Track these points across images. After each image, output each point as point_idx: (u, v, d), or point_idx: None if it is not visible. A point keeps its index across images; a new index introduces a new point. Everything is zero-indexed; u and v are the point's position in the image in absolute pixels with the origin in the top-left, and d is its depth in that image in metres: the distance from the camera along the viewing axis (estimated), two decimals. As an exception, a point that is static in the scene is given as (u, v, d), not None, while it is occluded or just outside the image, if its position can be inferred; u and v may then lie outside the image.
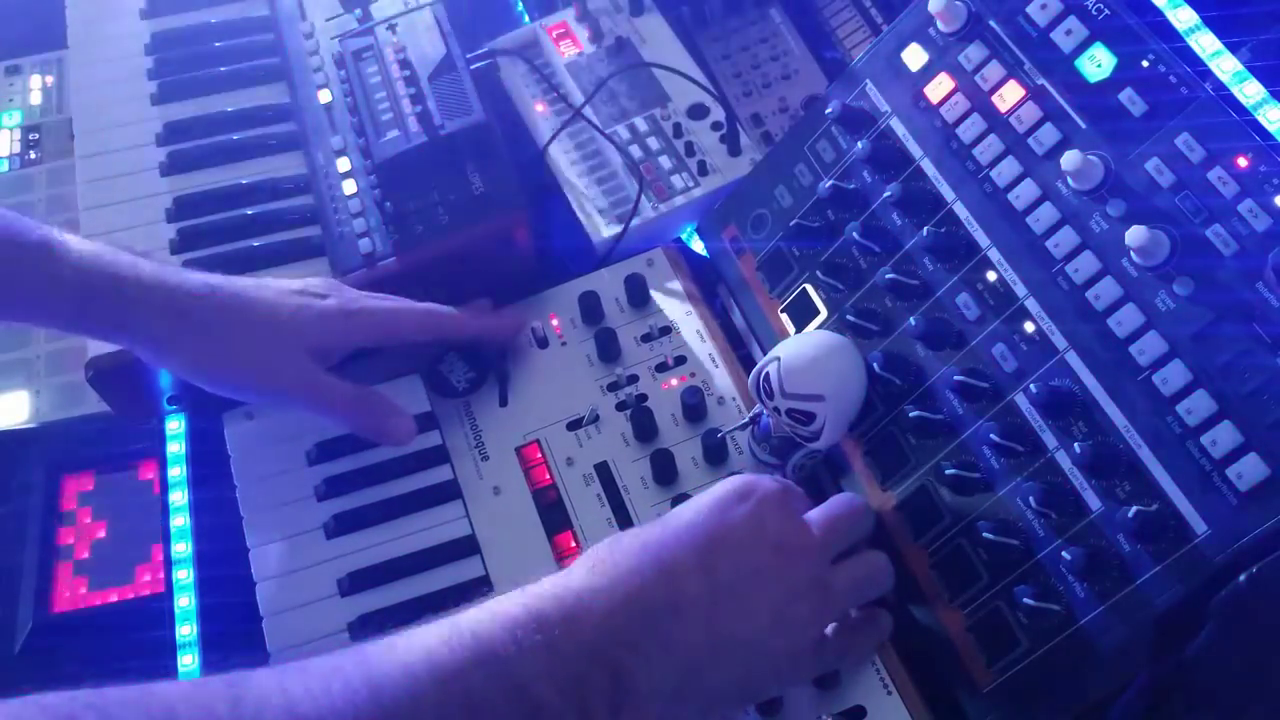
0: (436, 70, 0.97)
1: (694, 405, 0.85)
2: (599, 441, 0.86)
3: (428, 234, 0.89)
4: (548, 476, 0.85)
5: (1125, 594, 0.66)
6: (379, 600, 0.81)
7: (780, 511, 0.68)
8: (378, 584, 0.81)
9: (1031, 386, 0.72)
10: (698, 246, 0.99)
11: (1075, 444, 0.69)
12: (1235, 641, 0.62)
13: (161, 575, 0.87)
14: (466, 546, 0.83)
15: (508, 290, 0.94)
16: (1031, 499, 0.70)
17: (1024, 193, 0.76)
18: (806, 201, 0.87)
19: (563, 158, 1.04)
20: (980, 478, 0.74)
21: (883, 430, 0.79)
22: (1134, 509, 0.66)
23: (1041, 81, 0.77)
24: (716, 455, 0.83)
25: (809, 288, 0.86)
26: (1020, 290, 0.75)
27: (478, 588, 0.80)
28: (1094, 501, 0.69)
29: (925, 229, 0.79)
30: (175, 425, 0.92)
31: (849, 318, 0.81)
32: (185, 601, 0.84)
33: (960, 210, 0.79)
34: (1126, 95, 0.73)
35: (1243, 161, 0.68)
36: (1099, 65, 0.74)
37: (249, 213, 0.96)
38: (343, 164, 0.95)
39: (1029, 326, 0.74)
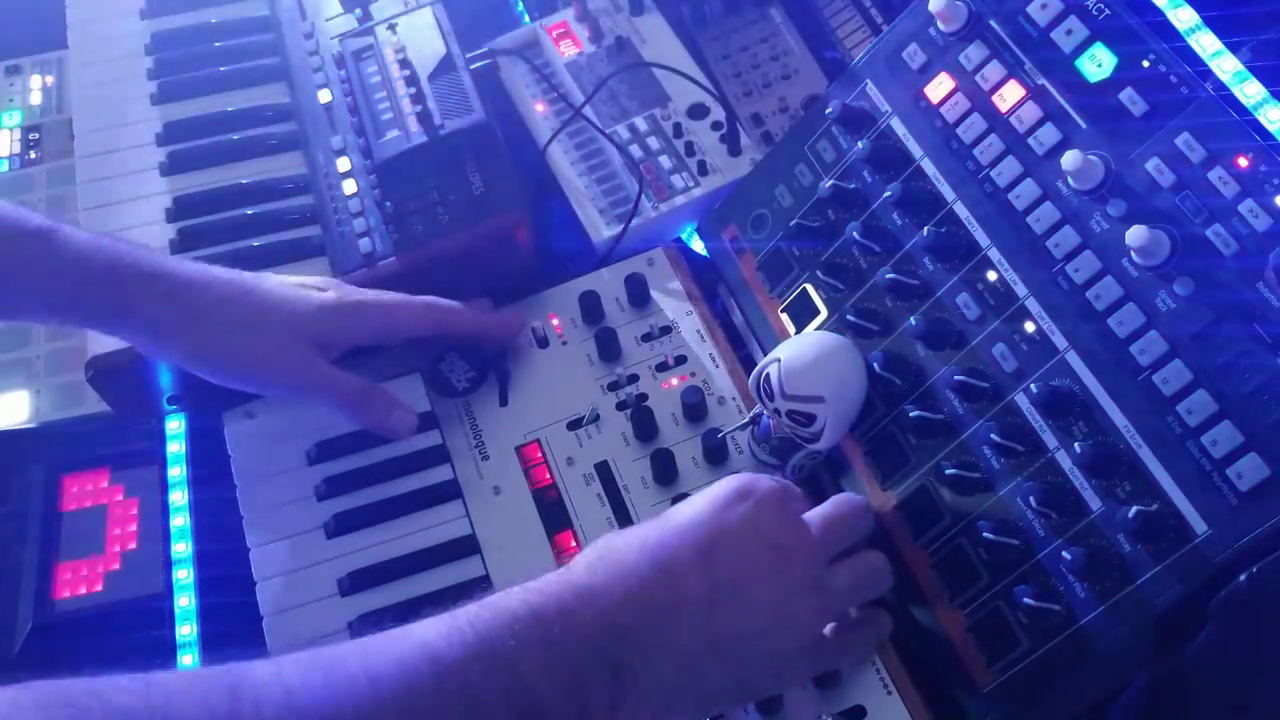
0: (436, 70, 0.97)
1: (694, 405, 0.85)
2: (599, 441, 0.86)
3: (428, 234, 0.89)
4: (548, 476, 0.85)
5: (1125, 594, 0.66)
6: (379, 600, 0.81)
7: (779, 511, 0.68)
8: (378, 584, 0.81)
9: (1032, 386, 0.72)
10: (698, 246, 0.99)
11: (1075, 444, 0.69)
12: (1235, 641, 0.62)
13: (161, 575, 0.87)
14: (466, 546, 0.83)
15: (508, 290, 0.94)
16: (1032, 499, 0.70)
17: (1024, 192, 0.76)
18: (807, 201, 0.87)
19: (563, 158, 1.04)
20: (980, 478, 0.74)
21: (883, 430, 0.79)
22: (1134, 509, 0.66)
23: (1042, 81, 0.77)
24: (716, 455, 0.83)
25: (809, 288, 0.86)
26: (1020, 290, 0.75)
27: (478, 587, 0.80)
28: (1094, 501, 0.69)
29: (925, 229, 0.79)
30: (175, 425, 0.92)
31: (849, 318, 0.81)
32: (185, 601, 0.84)
33: (960, 210, 0.79)
34: (1127, 95, 0.73)
35: (1243, 161, 0.68)
36: (1099, 65, 0.74)
37: (249, 213, 0.95)
38: (343, 164, 0.95)
39: (1029, 326, 0.74)
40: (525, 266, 0.93)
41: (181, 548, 0.86)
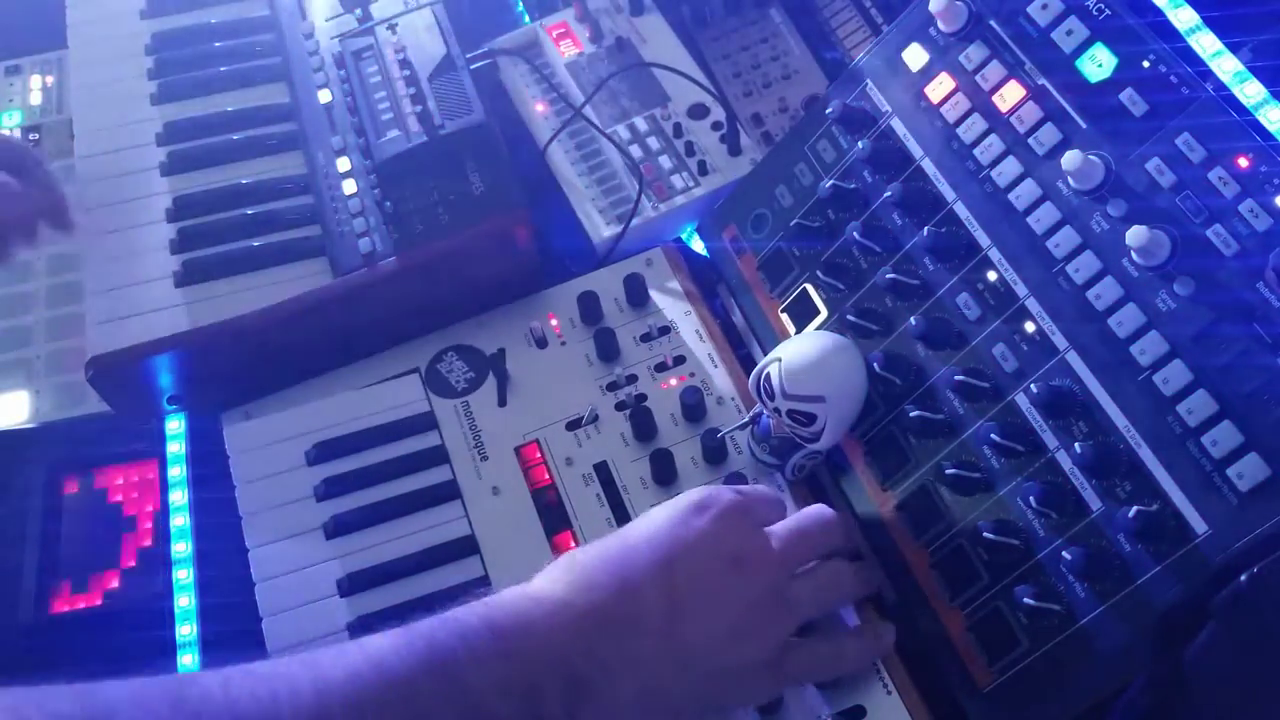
0: (436, 70, 0.97)
1: (693, 405, 0.85)
2: (598, 441, 0.86)
3: (428, 234, 0.89)
4: (547, 476, 0.85)
5: (1125, 594, 0.66)
6: (379, 600, 0.80)
7: (739, 524, 0.68)
8: (377, 584, 0.81)
9: (1032, 386, 0.72)
10: (698, 246, 0.99)
11: (1076, 444, 0.69)
12: (1235, 641, 0.62)
13: (161, 575, 0.87)
14: (466, 547, 0.83)
15: (508, 290, 0.94)
16: (1032, 499, 0.70)
17: (1024, 193, 0.76)
18: (807, 201, 0.87)
19: (563, 158, 1.04)
20: (980, 478, 0.74)
21: (883, 430, 0.79)
22: (1134, 509, 0.66)
23: (1042, 81, 0.77)
24: (716, 455, 0.83)
25: (809, 288, 0.86)
26: (1021, 290, 0.75)
27: (477, 588, 0.80)
28: (1094, 501, 0.69)
29: (926, 229, 0.79)
30: (175, 425, 0.92)
31: (849, 318, 0.81)
32: (185, 601, 0.84)
33: (961, 210, 0.79)
34: (1127, 95, 0.73)
35: (1243, 161, 0.68)
36: (1100, 65, 0.74)
37: (249, 213, 0.95)
38: (343, 164, 0.95)
39: (1029, 326, 0.74)
40: (525, 266, 0.93)
41: (181, 548, 0.86)
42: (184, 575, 0.85)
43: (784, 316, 0.87)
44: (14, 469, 0.94)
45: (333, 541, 0.83)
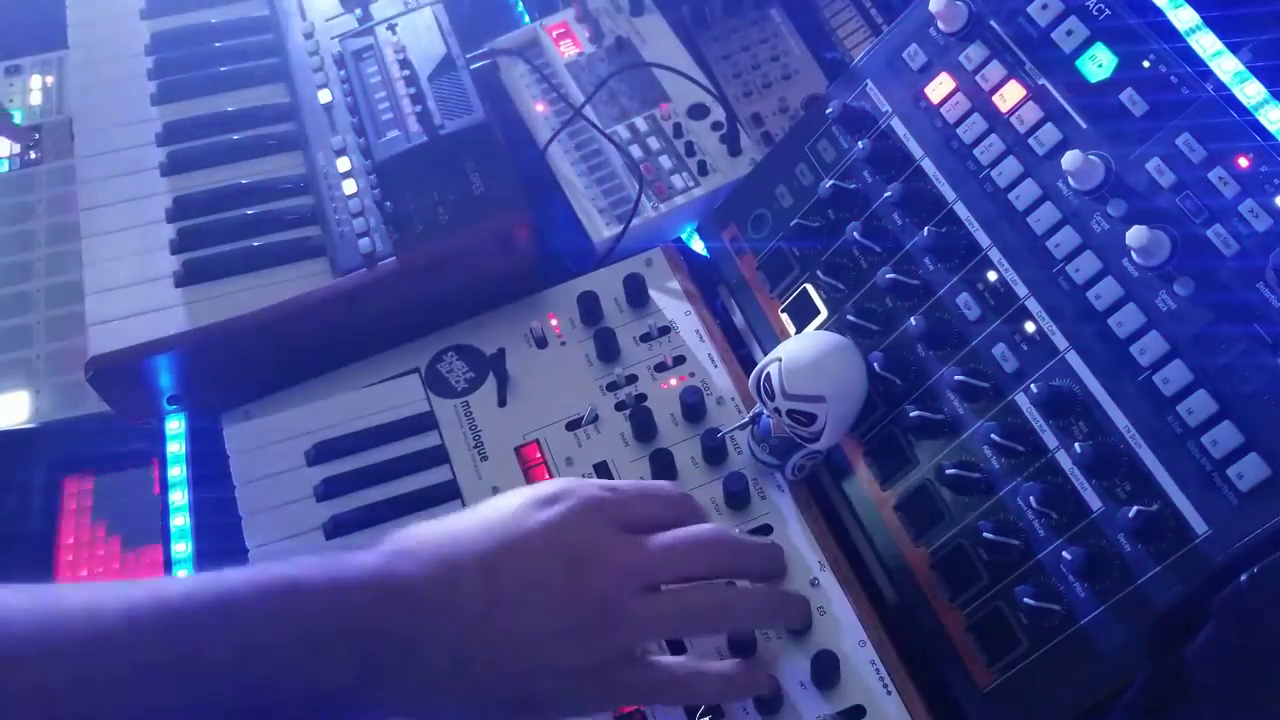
0: (436, 70, 0.97)
1: (693, 405, 0.85)
2: (598, 441, 0.86)
3: (428, 234, 0.89)
4: (547, 476, 0.85)
5: (1125, 594, 0.66)
6: (379, 600, 0.80)
7: (588, 521, 0.64)
8: (377, 584, 0.81)
9: (1032, 386, 0.72)
10: (698, 246, 0.99)
11: (1076, 444, 0.69)
12: (1235, 641, 0.62)
13: (161, 575, 0.87)
14: (466, 546, 0.82)
15: (508, 290, 0.94)
16: (1032, 499, 0.70)
17: (1025, 193, 0.76)
18: (807, 201, 0.87)
19: (563, 158, 1.04)
20: (980, 478, 0.74)
21: (883, 430, 0.79)
22: (1134, 509, 0.66)
23: (1042, 81, 0.77)
24: (716, 455, 0.83)
25: (809, 288, 0.86)
26: (1021, 290, 0.75)
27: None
28: (1094, 501, 0.69)
29: (926, 229, 0.79)
30: (175, 425, 0.92)
31: (849, 318, 0.81)
32: (185, 601, 0.84)
33: (961, 210, 0.79)
34: (1127, 95, 0.72)
35: (1244, 162, 0.68)
36: (1100, 65, 0.74)
37: (249, 213, 0.95)
38: (343, 164, 0.95)
39: (1029, 326, 0.74)
40: (525, 266, 0.93)
41: (181, 548, 0.86)
42: (184, 575, 0.85)
43: (784, 316, 0.87)
44: (14, 469, 0.94)
45: (333, 542, 0.83)
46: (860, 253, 0.83)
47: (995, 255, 0.76)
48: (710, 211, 0.96)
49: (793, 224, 0.87)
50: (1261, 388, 0.64)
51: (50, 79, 1.16)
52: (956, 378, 0.75)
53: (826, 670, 0.72)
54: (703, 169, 1.01)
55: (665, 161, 1.01)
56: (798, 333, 0.85)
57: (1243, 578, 0.60)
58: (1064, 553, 0.68)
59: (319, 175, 0.96)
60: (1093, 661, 0.67)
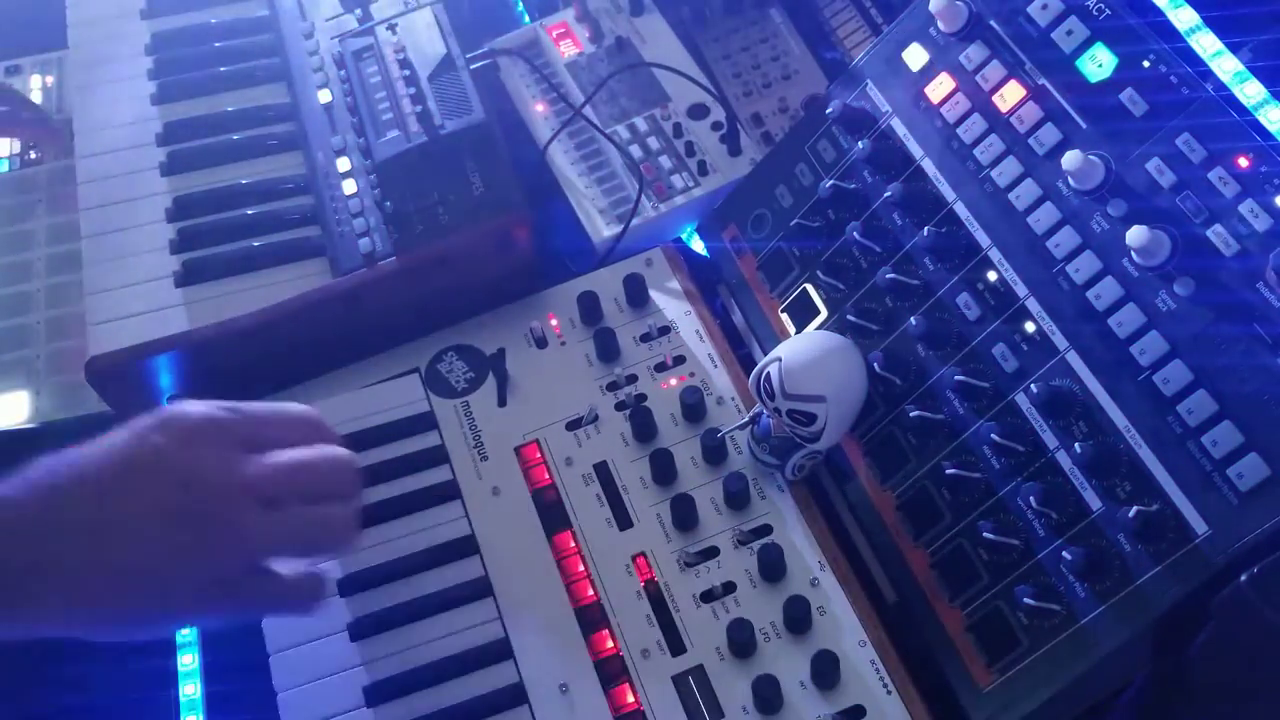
0: (436, 70, 0.97)
1: (693, 405, 0.85)
2: (598, 441, 0.86)
3: (428, 234, 0.89)
4: (547, 476, 0.85)
5: (1125, 594, 0.66)
6: (379, 601, 0.80)
7: (201, 442, 0.64)
8: (377, 584, 0.81)
9: (1032, 386, 0.72)
10: (698, 246, 0.99)
11: (1076, 444, 0.69)
12: (1235, 641, 0.62)
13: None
14: (466, 546, 0.82)
15: (508, 290, 0.94)
16: (1032, 499, 0.70)
17: (1024, 193, 0.76)
18: (807, 201, 0.87)
19: (563, 158, 1.04)
20: (980, 478, 0.74)
21: (883, 430, 0.79)
22: (1134, 509, 0.66)
23: (1042, 81, 0.77)
24: (716, 455, 0.83)
25: (809, 288, 0.86)
26: (1021, 290, 0.75)
27: (477, 588, 0.80)
28: (1094, 501, 0.69)
29: (926, 229, 0.79)
30: (175, 425, 0.92)
31: (849, 318, 0.81)
32: (185, 601, 0.84)
33: (961, 210, 0.79)
34: (1127, 95, 0.73)
35: (1244, 161, 0.68)
36: (1100, 65, 0.74)
37: (249, 213, 0.95)
38: (343, 164, 0.95)
39: (1029, 326, 0.74)
40: (525, 266, 0.93)
41: (181, 548, 0.86)
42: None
43: (784, 316, 0.87)
44: (14, 469, 0.94)
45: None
46: (860, 253, 0.83)
47: (995, 255, 0.76)
48: (710, 211, 0.96)
49: (793, 224, 0.87)
50: (1261, 388, 0.64)
51: (50, 79, 1.16)
52: (956, 378, 0.75)
53: (826, 670, 0.72)
54: (703, 169, 1.01)
55: (665, 161, 1.01)
56: (798, 333, 0.85)
57: (1243, 578, 0.60)
58: (1064, 553, 0.68)
59: (319, 175, 0.96)
60: (1093, 661, 0.67)
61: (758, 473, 0.83)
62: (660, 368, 0.89)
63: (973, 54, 0.80)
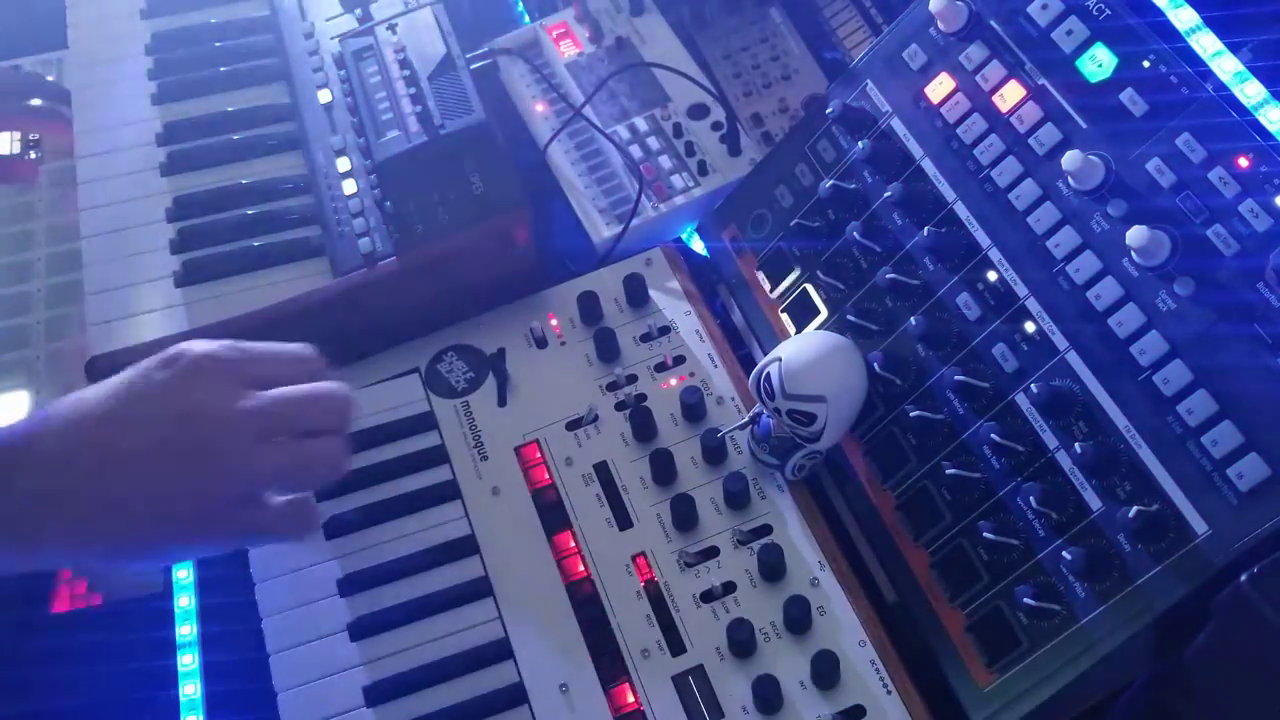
0: (436, 70, 0.96)
1: (693, 405, 0.85)
2: (598, 441, 0.86)
3: (428, 234, 0.89)
4: (547, 476, 0.85)
5: (1125, 594, 0.66)
6: (379, 601, 0.80)
7: (203, 378, 0.67)
8: (377, 584, 0.81)
9: (1032, 386, 0.72)
10: (698, 246, 0.99)
11: (1076, 444, 0.69)
12: (1235, 641, 0.62)
13: (161, 575, 0.87)
14: (466, 546, 0.82)
15: (508, 290, 0.94)
16: (1032, 499, 0.70)
17: (1025, 193, 0.76)
18: (807, 201, 0.87)
19: (563, 158, 1.04)
20: (980, 478, 0.74)
21: (883, 430, 0.79)
22: (1134, 509, 0.66)
23: (1042, 81, 0.77)
24: (716, 455, 0.83)
25: (809, 288, 0.86)
26: (1021, 290, 0.75)
27: (477, 587, 0.80)
28: (1094, 501, 0.69)
29: (926, 229, 0.79)
30: (175, 425, 0.92)
31: (849, 318, 0.81)
32: (185, 601, 0.84)
33: (961, 210, 0.79)
34: (1127, 95, 0.73)
35: (1244, 161, 0.68)
36: (1100, 65, 0.74)
37: (249, 213, 0.95)
38: (343, 164, 0.95)
39: (1029, 326, 0.74)
40: (525, 266, 0.93)
41: (181, 548, 0.86)
42: (184, 575, 0.85)
43: (784, 316, 0.87)
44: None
45: (332, 541, 0.83)
46: (860, 253, 0.83)
47: (995, 255, 0.76)
48: (710, 211, 0.96)
49: (793, 224, 0.87)
50: (1261, 388, 0.64)
51: (50, 79, 1.16)
52: (956, 378, 0.75)
53: (826, 670, 0.72)
54: (703, 169, 1.01)
55: (665, 161, 1.01)
56: (798, 333, 0.85)
57: (1243, 578, 0.60)
58: (1064, 553, 0.68)
59: (319, 175, 0.96)
60: (1093, 661, 0.67)
61: (758, 473, 0.83)
62: (660, 368, 0.89)
63: (973, 54, 0.80)
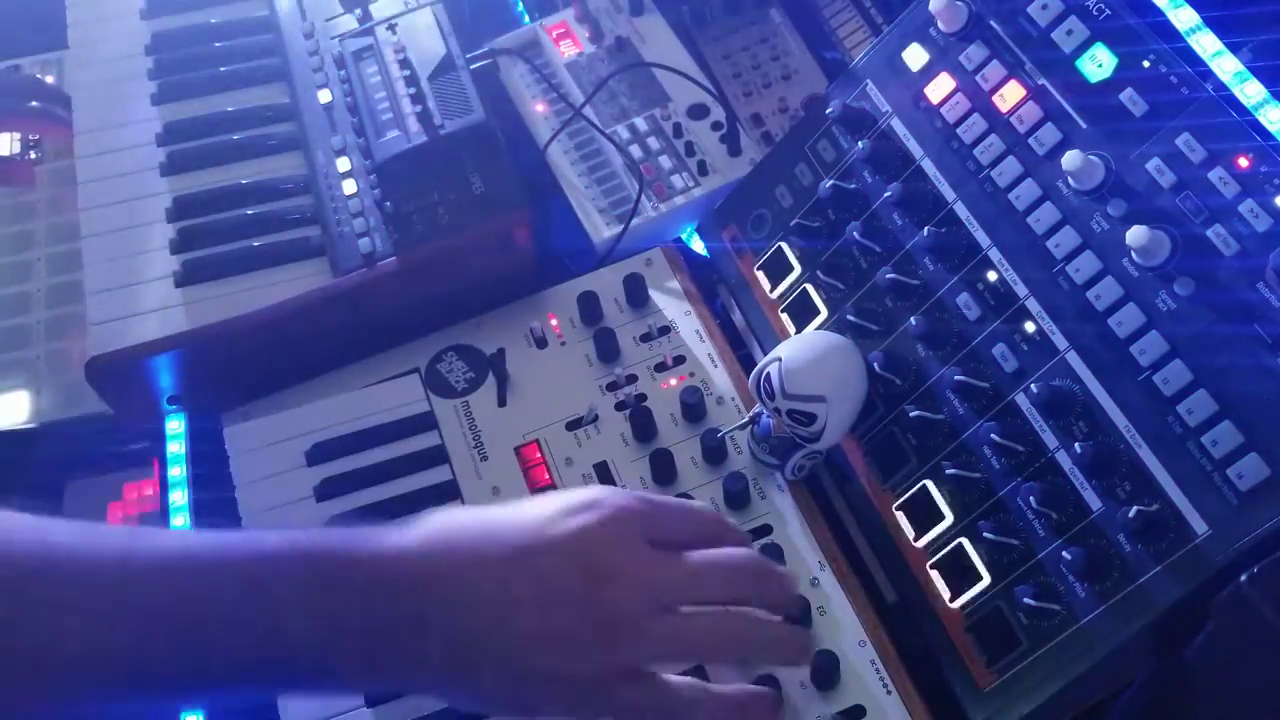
0: (436, 70, 0.96)
1: (693, 405, 0.85)
2: (598, 441, 0.86)
3: (428, 234, 0.89)
4: (547, 476, 0.85)
5: (1126, 594, 0.66)
6: (379, 600, 0.80)
7: (617, 534, 0.63)
8: (377, 584, 0.81)
9: (1032, 386, 0.72)
10: (698, 246, 0.99)
11: (1076, 444, 0.69)
12: (1235, 641, 0.62)
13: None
14: (466, 546, 0.82)
15: (508, 290, 0.94)
16: (1032, 499, 0.70)
17: (1024, 193, 0.76)
18: (807, 201, 0.87)
19: (563, 158, 1.04)
20: (980, 478, 0.74)
21: (883, 430, 0.79)
22: (1134, 509, 0.66)
23: (1042, 81, 0.77)
24: (716, 455, 0.83)
25: (809, 288, 0.86)
26: (1021, 290, 0.75)
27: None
28: (1094, 501, 0.69)
29: (926, 229, 0.79)
30: (175, 425, 0.92)
31: (849, 318, 0.81)
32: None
33: (961, 210, 0.79)
34: (1127, 95, 0.73)
35: (1244, 162, 0.68)
36: (1100, 65, 0.74)
37: (249, 213, 0.95)
38: (343, 164, 0.95)
39: (1029, 326, 0.74)
40: (525, 266, 0.93)
41: (181, 548, 0.86)
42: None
43: (784, 316, 0.87)
44: (14, 469, 0.94)
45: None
46: (860, 253, 0.83)
47: (995, 255, 0.76)
48: (710, 211, 0.96)
49: (793, 224, 0.87)
50: (1261, 388, 0.64)
51: (50, 79, 1.16)
52: (956, 378, 0.75)
53: (826, 670, 0.72)
54: (703, 169, 1.01)
55: (665, 161, 1.01)
56: (798, 333, 0.85)
57: (1243, 578, 0.60)
58: (1064, 553, 0.68)
59: (319, 175, 0.96)
60: (1093, 661, 0.67)
61: (758, 473, 0.83)
62: (660, 368, 0.89)
63: (973, 54, 0.80)
